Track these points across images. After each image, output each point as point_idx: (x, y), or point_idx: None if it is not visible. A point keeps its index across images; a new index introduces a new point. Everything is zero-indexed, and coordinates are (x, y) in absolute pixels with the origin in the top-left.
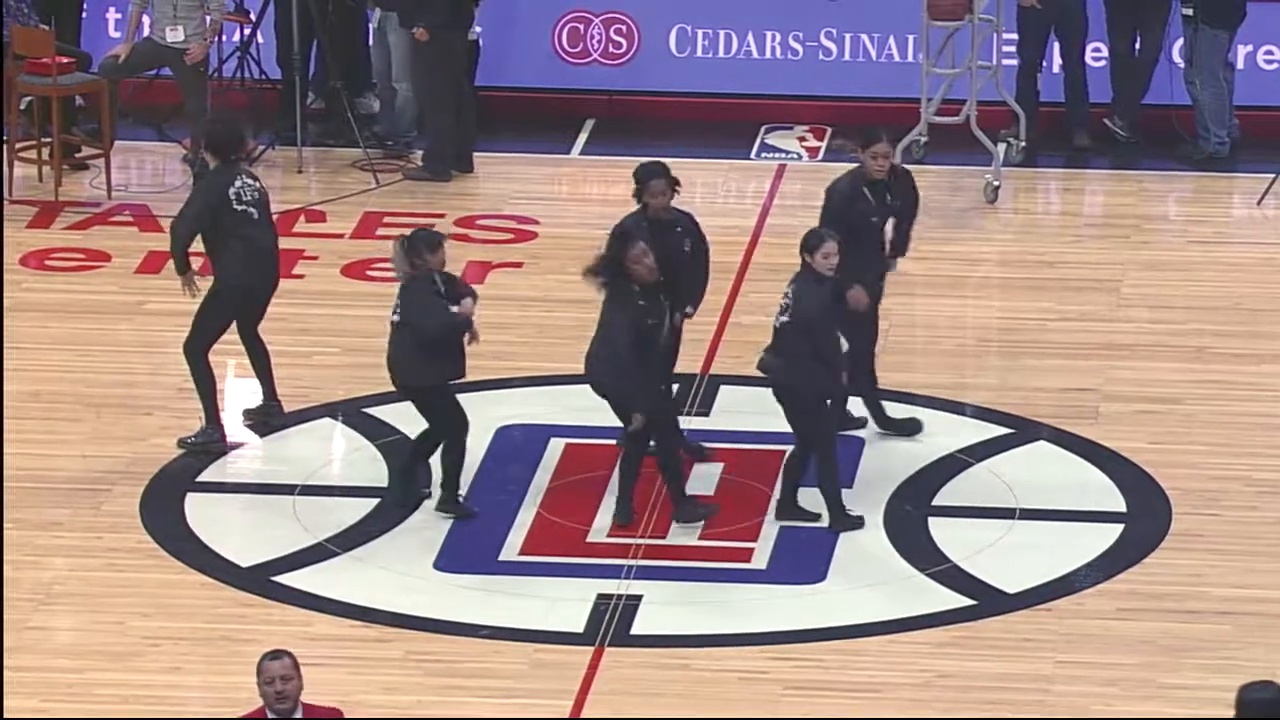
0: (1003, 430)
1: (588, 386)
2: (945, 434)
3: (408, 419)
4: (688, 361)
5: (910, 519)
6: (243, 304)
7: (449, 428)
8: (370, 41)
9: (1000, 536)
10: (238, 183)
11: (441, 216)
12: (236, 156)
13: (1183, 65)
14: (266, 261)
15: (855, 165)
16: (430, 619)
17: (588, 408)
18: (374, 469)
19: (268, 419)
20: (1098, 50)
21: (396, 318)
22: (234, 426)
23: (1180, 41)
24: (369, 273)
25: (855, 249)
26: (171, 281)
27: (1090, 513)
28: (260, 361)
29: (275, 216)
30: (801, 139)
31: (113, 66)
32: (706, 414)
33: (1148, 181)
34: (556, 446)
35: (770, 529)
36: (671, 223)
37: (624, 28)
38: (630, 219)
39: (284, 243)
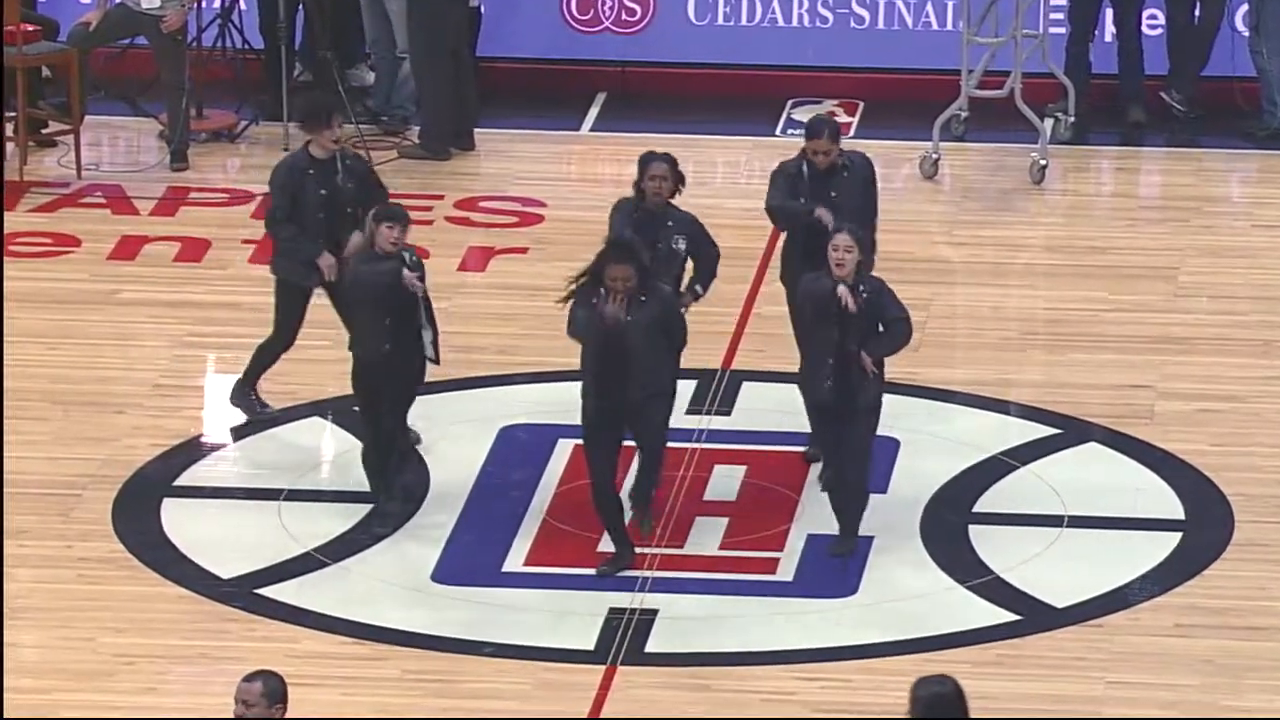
0: (1050, 431)
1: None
2: (988, 435)
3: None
4: (707, 356)
5: (950, 527)
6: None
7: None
8: (361, 7)
9: (1047, 546)
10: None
11: (440, 198)
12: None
13: (1247, 33)
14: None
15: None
16: (428, 635)
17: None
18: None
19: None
20: (1154, 17)
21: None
22: (214, 425)
23: (1244, 7)
24: None
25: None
26: (146, 269)
27: (1145, 520)
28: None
29: (259, 197)
30: (831, 114)
31: (83, 35)
32: (728, 413)
33: (1208, 160)
34: (564, 448)
35: (797, 538)
36: (663, 217)
37: None
38: (624, 203)
39: None
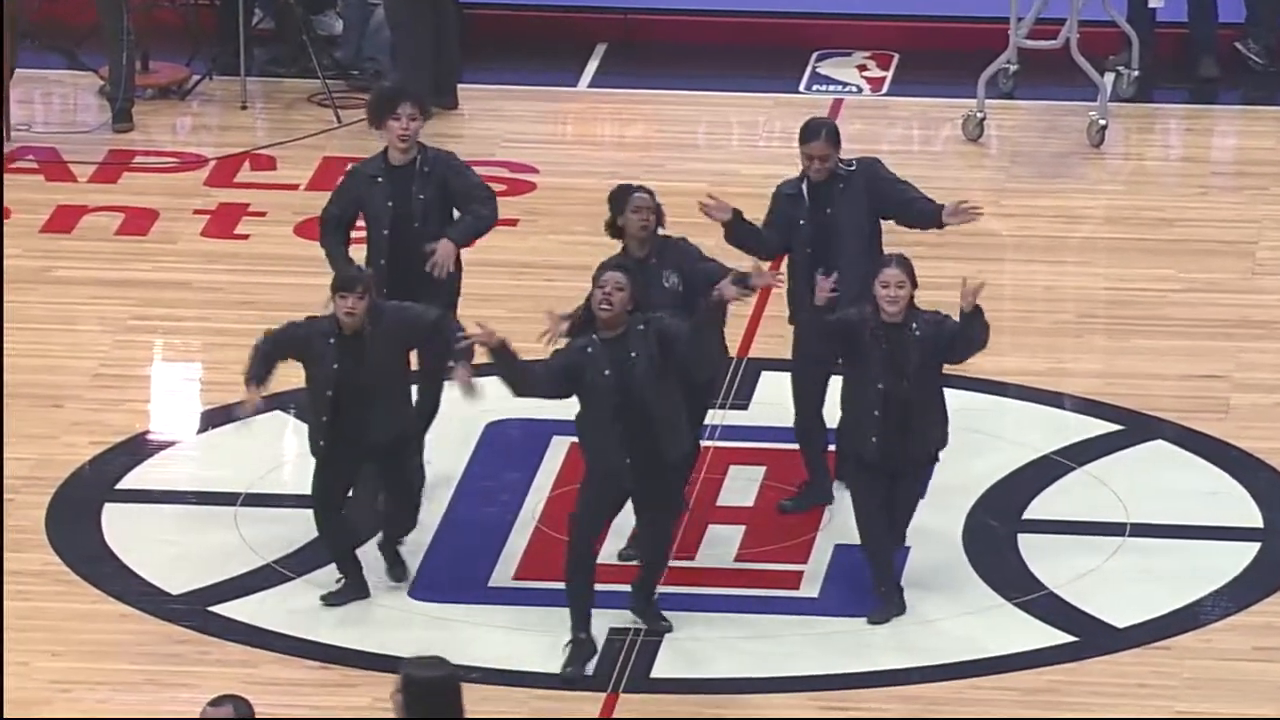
0: (1111, 427)
1: None
2: (1040, 431)
3: None
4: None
5: (996, 536)
6: None
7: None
8: None
9: (1107, 558)
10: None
11: None
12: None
13: None
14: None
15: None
16: (403, 658)
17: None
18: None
19: None
20: None
21: None
22: (161, 420)
23: None
24: None
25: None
26: (84, 243)
27: (1219, 529)
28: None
29: (213, 162)
30: (861, 68)
31: None
32: (744, 406)
33: None
34: (559, 446)
35: (823, 548)
36: (650, 267)
37: None
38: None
39: (224, 195)
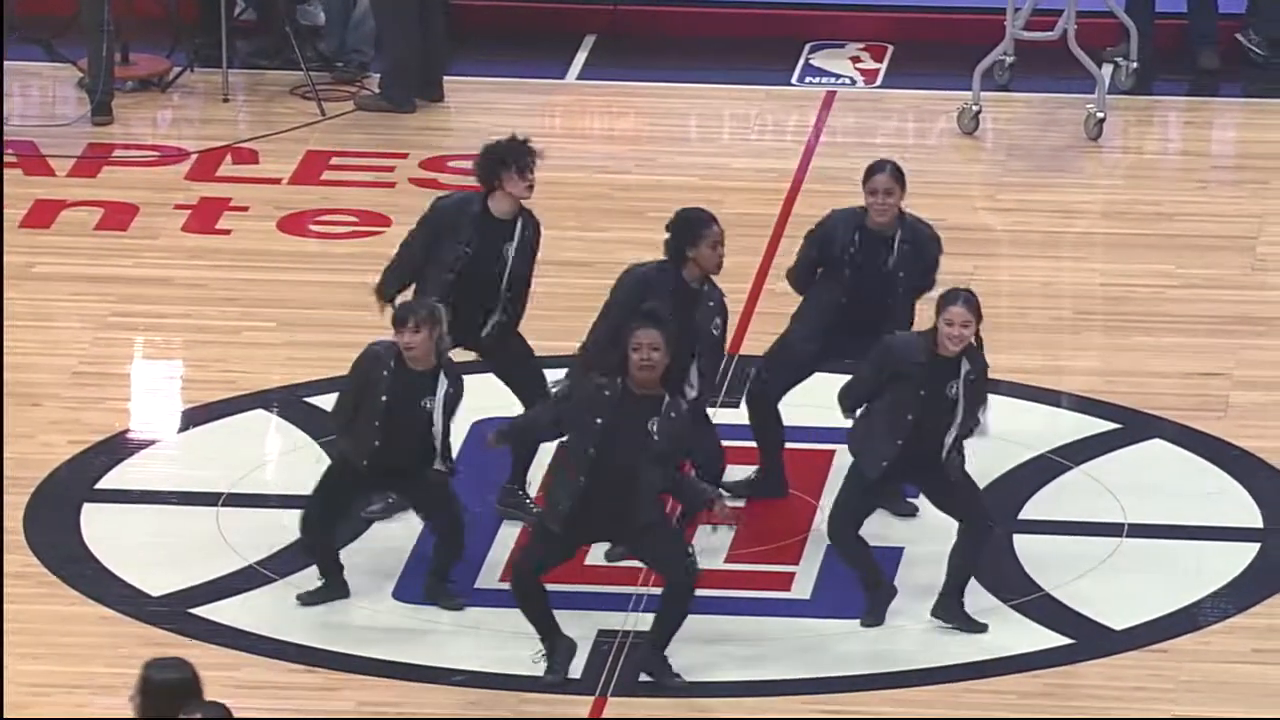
0: (1108, 425)
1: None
2: (1036, 431)
3: None
4: None
5: (993, 538)
6: None
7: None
8: None
9: (1104, 559)
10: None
11: (403, 157)
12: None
13: None
14: None
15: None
16: (388, 662)
17: None
18: (317, 473)
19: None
20: None
21: None
22: (142, 419)
23: None
24: (312, 227)
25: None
26: (63, 238)
27: (1218, 529)
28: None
29: (195, 156)
30: (855, 60)
31: None
32: (736, 404)
33: None
34: (546, 447)
35: (816, 549)
36: (703, 294)
37: None
38: (652, 273)
39: (207, 189)
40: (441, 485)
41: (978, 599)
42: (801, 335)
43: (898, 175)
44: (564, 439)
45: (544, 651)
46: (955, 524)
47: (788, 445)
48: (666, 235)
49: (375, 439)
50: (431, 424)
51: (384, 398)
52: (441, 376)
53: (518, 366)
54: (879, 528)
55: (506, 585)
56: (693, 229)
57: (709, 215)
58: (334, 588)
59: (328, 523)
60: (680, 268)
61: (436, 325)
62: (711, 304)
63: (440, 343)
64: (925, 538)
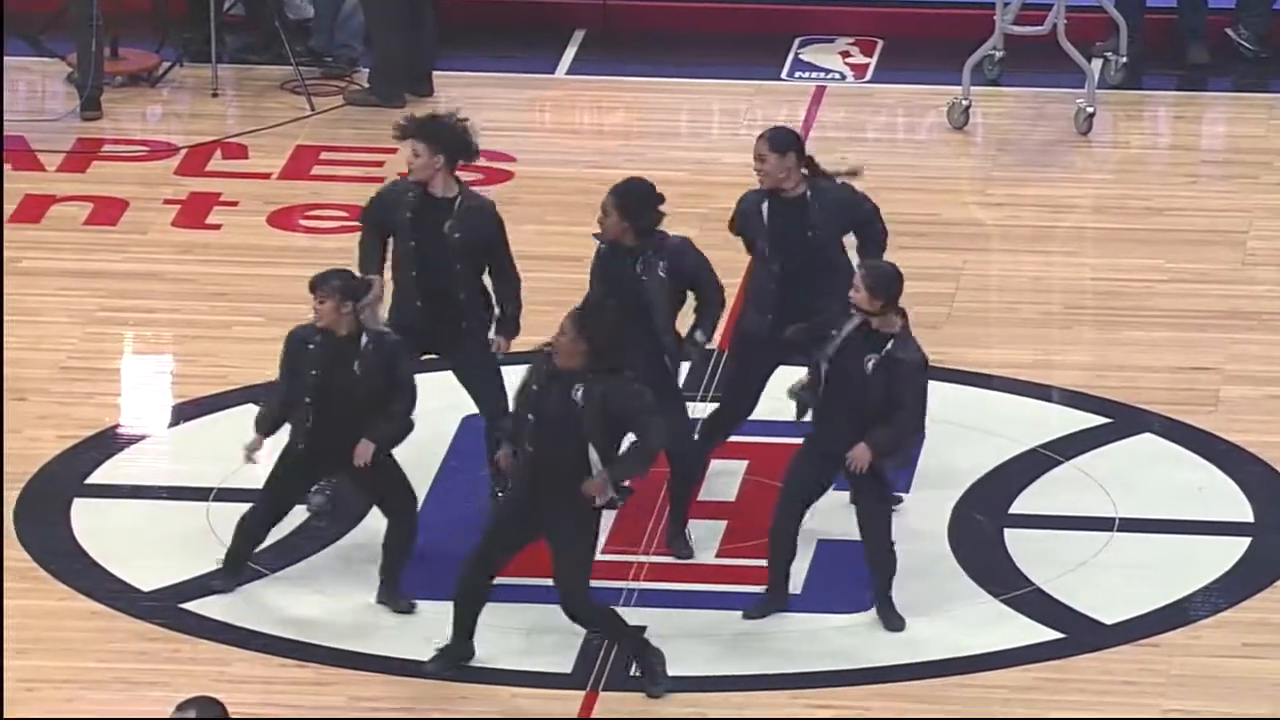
0: (1098, 420)
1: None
2: (1026, 425)
3: None
4: None
5: (982, 531)
6: None
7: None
8: None
9: (1095, 553)
10: None
11: (392, 152)
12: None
13: None
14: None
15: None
16: (380, 656)
17: None
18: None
19: None
20: None
21: None
22: (131, 413)
23: None
24: (301, 222)
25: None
26: (53, 233)
27: (1208, 523)
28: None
29: (184, 151)
30: (845, 55)
31: None
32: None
33: None
34: None
35: (805, 544)
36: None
37: None
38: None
39: (196, 184)
40: (389, 464)
41: (968, 593)
42: None
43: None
44: None
45: (443, 647)
46: (939, 516)
47: (770, 440)
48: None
49: (308, 417)
50: (358, 394)
51: (313, 371)
52: (363, 338)
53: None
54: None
55: (498, 580)
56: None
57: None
58: (232, 577)
59: (266, 522)
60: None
61: (345, 298)
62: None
63: (361, 314)
64: (914, 536)
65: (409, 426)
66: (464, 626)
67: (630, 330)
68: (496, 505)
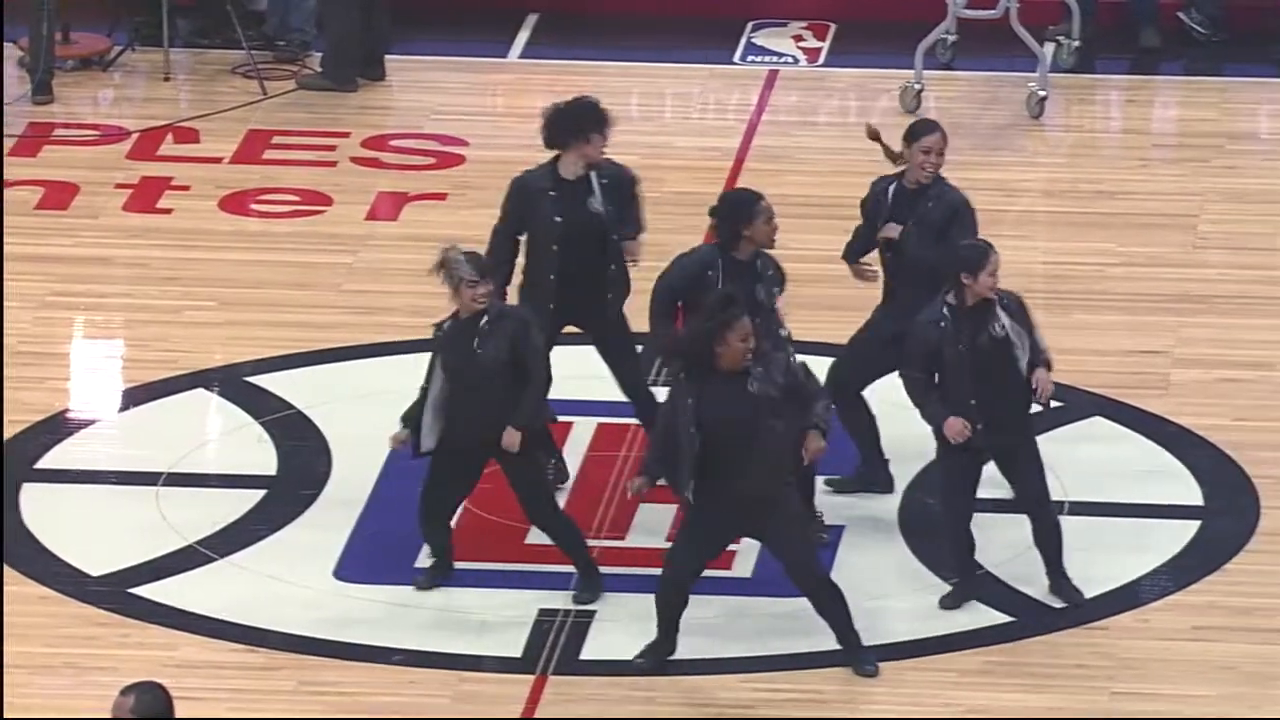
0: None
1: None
2: None
3: (298, 390)
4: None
5: (932, 515)
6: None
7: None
8: None
9: None
10: None
11: (345, 136)
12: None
13: None
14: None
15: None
16: (328, 641)
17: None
18: (259, 453)
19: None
20: None
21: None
22: (81, 398)
23: None
24: (253, 207)
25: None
26: (5, 217)
27: (1158, 506)
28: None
29: (136, 135)
30: (798, 38)
31: None
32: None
33: (1233, 91)
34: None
35: None
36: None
37: None
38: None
39: (148, 168)
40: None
41: (918, 577)
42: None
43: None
44: None
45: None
46: (889, 500)
47: None
48: (714, 219)
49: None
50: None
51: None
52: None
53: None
54: (822, 504)
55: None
56: (741, 211)
57: (754, 195)
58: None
59: (438, 507)
60: (733, 249)
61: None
62: (770, 273)
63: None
64: (863, 520)
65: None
66: (670, 623)
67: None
68: (697, 516)
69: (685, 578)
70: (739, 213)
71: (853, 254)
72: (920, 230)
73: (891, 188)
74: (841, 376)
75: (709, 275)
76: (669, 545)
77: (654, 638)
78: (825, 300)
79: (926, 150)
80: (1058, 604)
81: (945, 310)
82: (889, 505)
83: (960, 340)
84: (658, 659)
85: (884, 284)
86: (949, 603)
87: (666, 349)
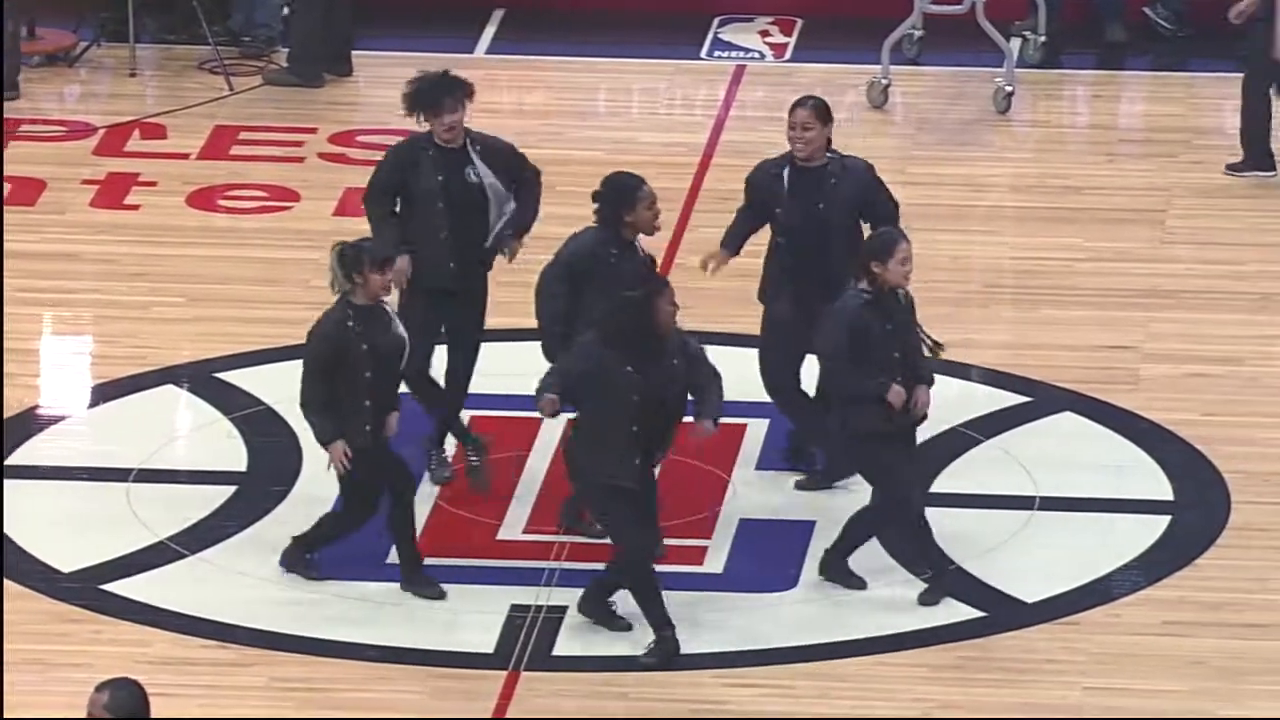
0: (1018, 399)
1: (497, 347)
2: (946, 404)
3: (267, 386)
4: None
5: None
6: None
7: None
8: None
9: (1016, 532)
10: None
11: (312, 132)
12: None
13: None
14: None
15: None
16: (301, 637)
17: (498, 373)
18: (229, 449)
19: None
20: None
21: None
22: (51, 394)
23: None
24: (220, 202)
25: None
26: None
27: (1128, 502)
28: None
29: (102, 131)
30: (764, 34)
31: None
32: None
33: (1199, 86)
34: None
35: (727, 524)
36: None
37: None
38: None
39: (114, 164)
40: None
41: (890, 572)
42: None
43: (821, 113)
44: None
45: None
46: (860, 496)
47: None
48: (596, 204)
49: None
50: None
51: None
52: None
53: None
54: (793, 499)
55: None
56: (623, 196)
57: (634, 180)
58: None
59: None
60: (618, 232)
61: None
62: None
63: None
64: (835, 515)
65: None
66: (659, 608)
67: None
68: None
69: (646, 558)
70: (621, 198)
71: (734, 240)
72: (834, 208)
73: (786, 171)
74: (776, 381)
75: (611, 255)
76: (609, 537)
77: (654, 637)
78: None
79: (792, 126)
80: (1029, 599)
81: (864, 295)
82: (858, 501)
83: (888, 319)
84: (664, 655)
85: (769, 275)
86: (928, 598)
87: (605, 328)
